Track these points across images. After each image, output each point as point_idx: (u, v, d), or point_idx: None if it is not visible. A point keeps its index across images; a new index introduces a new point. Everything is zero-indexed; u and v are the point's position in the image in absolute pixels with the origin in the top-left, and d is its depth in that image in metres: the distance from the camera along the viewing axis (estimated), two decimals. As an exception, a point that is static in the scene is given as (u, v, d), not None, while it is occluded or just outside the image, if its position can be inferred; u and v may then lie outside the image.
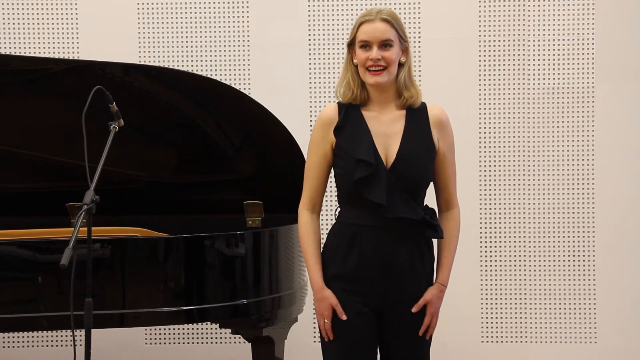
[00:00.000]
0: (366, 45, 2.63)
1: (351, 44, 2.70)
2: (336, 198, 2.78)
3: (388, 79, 2.64)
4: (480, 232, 4.49)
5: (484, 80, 4.48)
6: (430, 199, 2.76)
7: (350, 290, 2.66)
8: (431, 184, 2.76)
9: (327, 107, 2.74)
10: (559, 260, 4.49)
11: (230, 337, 4.51)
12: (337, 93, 2.74)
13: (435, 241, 2.76)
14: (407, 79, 2.68)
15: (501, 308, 4.52)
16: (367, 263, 2.64)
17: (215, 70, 4.46)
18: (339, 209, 2.75)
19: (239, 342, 4.30)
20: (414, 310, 2.66)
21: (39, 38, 4.46)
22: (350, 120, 2.67)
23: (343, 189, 2.70)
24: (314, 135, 2.73)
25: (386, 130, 2.67)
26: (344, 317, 2.64)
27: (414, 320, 2.68)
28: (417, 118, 2.69)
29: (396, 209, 2.60)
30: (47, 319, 2.99)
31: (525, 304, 4.51)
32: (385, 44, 2.63)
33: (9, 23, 4.46)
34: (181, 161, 3.82)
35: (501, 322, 4.52)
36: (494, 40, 4.47)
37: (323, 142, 2.70)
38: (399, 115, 2.69)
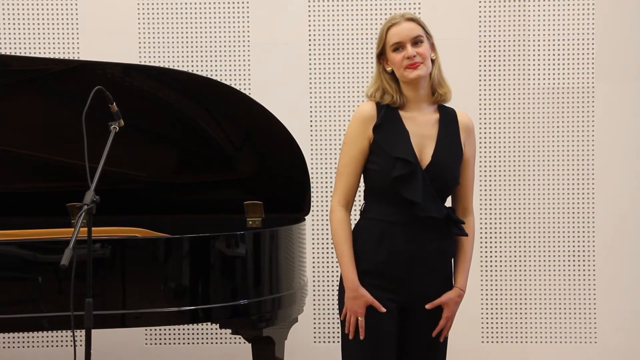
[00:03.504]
0: (399, 47, 2.69)
1: (381, 54, 2.76)
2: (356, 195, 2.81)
3: (427, 71, 2.70)
4: (481, 232, 4.49)
5: (484, 80, 4.48)
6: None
7: (379, 286, 2.70)
8: None
9: (364, 104, 2.78)
10: (559, 261, 4.49)
11: (230, 337, 4.51)
12: (369, 96, 2.78)
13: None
14: (439, 75, 2.75)
15: (501, 308, 4.52)
16: (396, 258, 2.68)
17: (215, 70, 4.46)
18: (364, 205, 2.78)
19: (239, 342, 4.30)
20: (427, 307, 2.71)
21: (39, 38, 4.46)
22: (388, 119, 2.72)
23: (375, 186, 2.73)
24: (351, 132, 2.75)
25: (422, 132, 2.72)
26: (383, 310, 2.67)
27: (435, 319, 2.73)
28: (449, 123, 2.76)
29: (428, 208, 2.66)
30: (48, 319, 2.99)
31: (525, 304, 4.51)
32: (416, 41, 2.69)
33: (9, 23, 4.46)
34: (181, 161, 3.82)
35: (501, 322, 4.52)
36: (494, 40, 4.47)
37: (361, 139, 2.73)
38: (434, 118, 2.75)
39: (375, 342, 2.69)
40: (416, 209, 2.65)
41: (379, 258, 2.69)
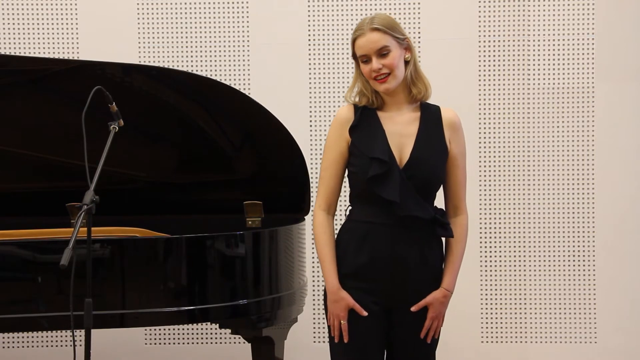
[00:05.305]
0: (366, 59, 2.68)
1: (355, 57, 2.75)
2: (345, 198, 2.80)
3: (396, 82, 2.69)
4: (480, 232, 4.49)
5: (484, 80, 4.48)
6: (439, 204, 2.77)
7: (362, 289, 2.68)
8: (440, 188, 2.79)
9: (342, 107, 2.78)
10: (559, 261, 4.49)
11: (230, 337, 4.51)
12: (348, 99, 2.78)
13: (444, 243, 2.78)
14: (413, 75, 2.73)
15: (501, 308, 4.52)
16: (378, 260, 2.66)
17: (215, 70, 4.46)
18: (349, 208, 2.78)
19: (239, 342, 4.30)
20: (413, 309, 2.68)
21: (39, 38, 4.46)
22: (365, 120, 2.71)
23: (356, 187, 2.73)
24: (330, 136, 2.76)
25: (401, 130, 2.70)
26: (365, 313, 2.66)
27: (421, 320, 2.70)
28: (431, 120, 2.73)
29: (407, 207, 2.63)
30: (47, 319, 2.99)
31: (525, 304, 4.51)
32: (382, 52, 2.66)
33: (9, 23, 4.46)
34: (181, 161, 3.82)
35: (501, 322, 4.52)
36: (494, 40, 4.47)
37: (339, 142, 2.73)
38: (414, 116, 2.74)
39: (361, 345, 2.67)
40: (395, 208, 2.62)
41: (360, 260, 2.67)
